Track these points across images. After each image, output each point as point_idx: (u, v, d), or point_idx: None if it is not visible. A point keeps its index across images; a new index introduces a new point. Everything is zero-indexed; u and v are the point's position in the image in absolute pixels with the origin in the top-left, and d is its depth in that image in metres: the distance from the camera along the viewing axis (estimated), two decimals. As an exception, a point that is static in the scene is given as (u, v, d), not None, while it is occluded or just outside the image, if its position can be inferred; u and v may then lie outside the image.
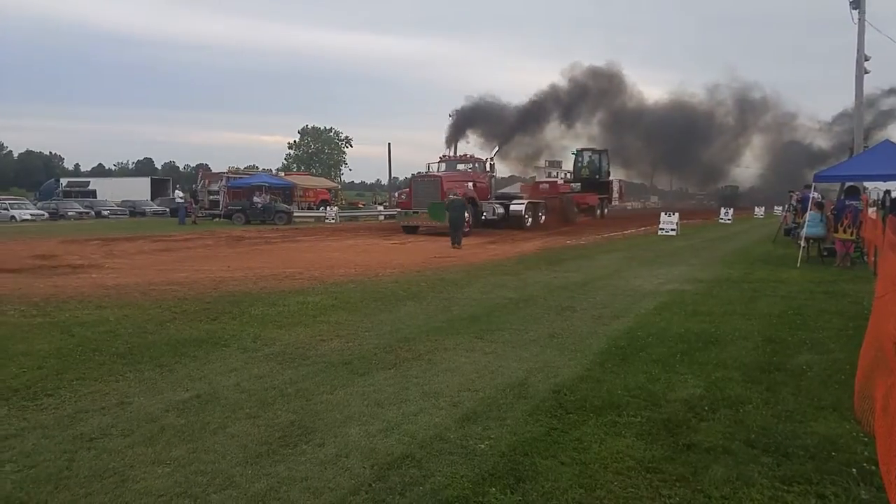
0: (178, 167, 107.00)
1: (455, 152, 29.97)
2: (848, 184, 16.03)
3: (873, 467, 3.36)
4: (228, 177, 38.19)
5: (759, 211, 42.17)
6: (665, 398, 4.76)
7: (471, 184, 25.05)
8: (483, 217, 24.67)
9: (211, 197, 36.89)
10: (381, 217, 40.21)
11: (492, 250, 17.59)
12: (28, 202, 44.42)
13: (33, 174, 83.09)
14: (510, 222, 25.84)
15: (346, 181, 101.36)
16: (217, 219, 34.76)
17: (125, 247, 17.87)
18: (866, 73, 20.99)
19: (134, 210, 46.13)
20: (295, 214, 35.64)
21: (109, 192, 51.19)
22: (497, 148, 33.13)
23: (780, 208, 32.70)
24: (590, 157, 38.38)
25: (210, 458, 3.69)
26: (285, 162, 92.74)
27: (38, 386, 4.91)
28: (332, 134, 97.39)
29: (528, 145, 39.20)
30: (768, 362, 5.71)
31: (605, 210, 37.40)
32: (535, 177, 39.26)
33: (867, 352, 4.21)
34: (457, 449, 3.82)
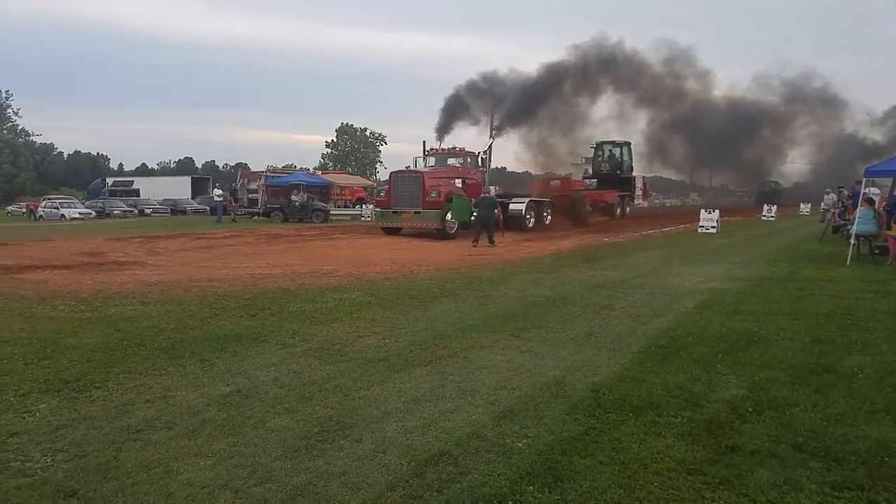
0: (218, 166, 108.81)
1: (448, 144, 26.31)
2: None
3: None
4: (267, 175, 38.78)
5: (805, 207, 40.88)
6: (706, 398, 4.66)
7: (459, 181, 22.21)
8: (473, 218, 21.65)
9: (250, 195, 37.50)
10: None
11: (527, 248, 17.47)
12: (77, 201, 45.96)
13: (81, 174, 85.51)
14: (508, 224, 22.05)
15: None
16: (256, 217, 35.33)
17: (167, 244, 18.29)
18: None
19: (175, 208, 47.21)
20: (331, 212, 36.03)
21: (152, 190, 52.62)
22: (492, 140, 28.83)
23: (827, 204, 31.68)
24: (610, 150, 35.15)
25: (250, 451, 3.75)
26: (322, 160, 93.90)
27: (87, 378, 5.06)
28: (366, 133, 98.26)
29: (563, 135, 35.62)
30: (816, 363, 5.54)
31: (627, 209, 34.14)
32: (571, 173, 36.80)
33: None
34: (494, 447, 3.81)
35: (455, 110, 30.58)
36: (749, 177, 59.02)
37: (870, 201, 14.09)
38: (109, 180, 57.64)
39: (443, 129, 28.88)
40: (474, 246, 17.47)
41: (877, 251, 13.52)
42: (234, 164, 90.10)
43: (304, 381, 5.08)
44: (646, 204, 38.86)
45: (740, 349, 6.05)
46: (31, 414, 4.32)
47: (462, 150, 24.49)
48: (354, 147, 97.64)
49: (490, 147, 26.77)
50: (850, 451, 3.70)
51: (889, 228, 13.00)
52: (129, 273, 11.58)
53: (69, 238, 20.37)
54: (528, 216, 23.43)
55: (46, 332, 6.55)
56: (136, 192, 51.83)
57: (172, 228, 26.54)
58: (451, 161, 23.86)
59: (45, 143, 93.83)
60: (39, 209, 41.20)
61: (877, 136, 55.52)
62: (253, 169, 43.38)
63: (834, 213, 20.93)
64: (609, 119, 40.05)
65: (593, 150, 35.72)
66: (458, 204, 20.27)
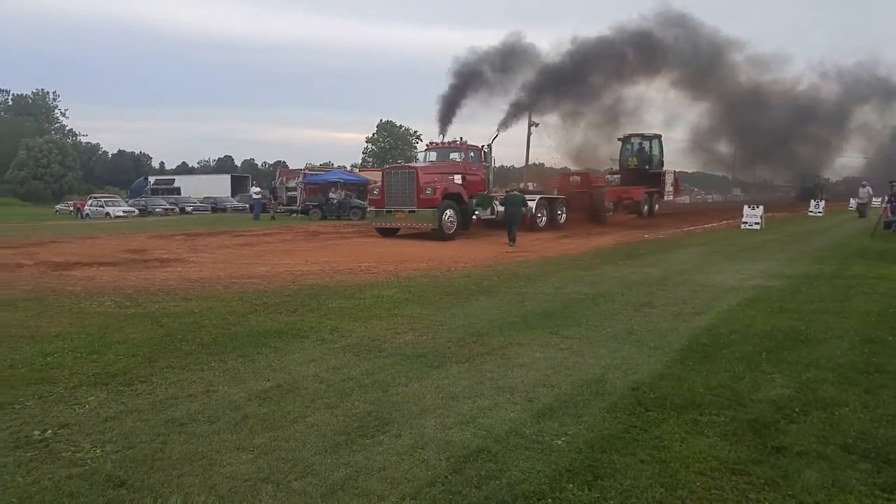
0: (257, 164, 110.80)
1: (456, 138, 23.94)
2: None
3: None
4: (305, 173, 39.16)
5: (854, 203, 39.49)
6: (750, 398, 4.55)
7: (458, 176, 20.56)
8: (475, 216, 20.57)
9: (288, 193, 37.96)
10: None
11: (566, 245, 17.33)
12: (121, 199, 47.32)
13: (125, 173, 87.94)
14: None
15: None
16: (294, 214, 35.80)
17: (207, 241, 18.67)
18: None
19: (215, 206, 48.15)
20: (369, 209, 36.22)
21: (192, 188, 53.76)
22: (497, 134, 25.89)
23: (879, 200, 30.62)
24: (639, 143, 32.87)
25: (291, 446, 3.80)
26: (363, 156, 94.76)
27: (133, 373, 5.20)
28: (403, 131, 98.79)
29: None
30: (867, 363, 5.35)
31: (655, 207, 31.74)
32: (610, 168, 35.31)
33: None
34: (533, 444, 3.78)
35: (463, 91, 27.31)
36: (795, 172, 56.90)
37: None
38: (151, 179, 59.11)
39: (445, 120, 26.30)
40: (511, 245, 17.15)
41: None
42: (272, 162, 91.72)
43: (343, 377, 5.13)
44: (685, 199, 37.10)
45: (786, 348, 5.88)
46: (80, 406, 4.46)
47: (464, 143, 22.40)
48: (393, 144, 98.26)
49: (493, 139, 23.95)
50: (903, 453, 3.57)
51: None
52: (171, 270, 11.87)
53: (114, 235, 20.98)
54: (539, 215, 22.37)
55: (94, 328, 6.75)
56: (178, 191, 53.11)
57: (213, 226, 27.09)
58: (452, 156, 21.99)
59: (90, 143, 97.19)
60: (85, 208, 42.62)
61: None
62: (291, 167, 43.94)
63: (886, 208, 20.18)
64: (657, 110, 38.17)
65: (620, 143, 33.40)
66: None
